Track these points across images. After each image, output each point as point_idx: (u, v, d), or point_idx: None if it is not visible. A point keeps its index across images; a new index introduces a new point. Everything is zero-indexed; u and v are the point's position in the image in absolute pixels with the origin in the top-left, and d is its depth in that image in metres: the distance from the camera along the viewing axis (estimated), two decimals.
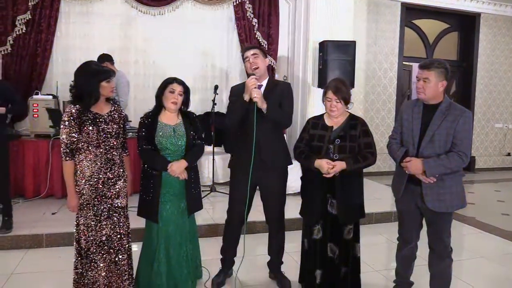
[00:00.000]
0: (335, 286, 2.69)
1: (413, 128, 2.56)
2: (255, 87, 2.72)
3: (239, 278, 3.14)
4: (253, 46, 3.03)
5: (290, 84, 3.21)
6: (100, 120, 2.48)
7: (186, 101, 2.77)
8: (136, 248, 2.88)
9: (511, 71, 8.46)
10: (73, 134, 2.41)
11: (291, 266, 3.33)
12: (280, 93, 2.89)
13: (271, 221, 3.03)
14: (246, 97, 2.74)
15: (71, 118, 2.40)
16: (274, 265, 3.14)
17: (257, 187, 2.96)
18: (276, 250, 3.09)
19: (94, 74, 2.44)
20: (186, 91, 2.75)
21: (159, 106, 2.74)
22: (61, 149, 2.45)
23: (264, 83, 2.92)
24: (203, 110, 5.99)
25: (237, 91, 2.91)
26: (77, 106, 2.42)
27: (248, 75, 2.87)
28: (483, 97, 8.30)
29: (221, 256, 3.13)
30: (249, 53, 2.88)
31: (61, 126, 2.43)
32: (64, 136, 2.43)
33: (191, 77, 6.19)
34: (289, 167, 3.06)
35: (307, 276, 2.81)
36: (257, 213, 3.18)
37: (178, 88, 2.69)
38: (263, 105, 2.73)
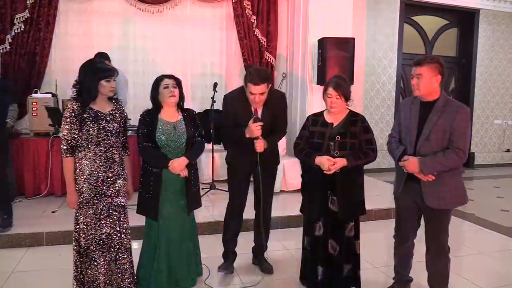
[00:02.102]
0: (336, 283, 2.70)
1: (410, 126, 2.55)
2: (259, 135, 2.80)
3: (239, 276, 3.15)
4: (262, 79, 2.74)
5: (285, 95, 3.26)
6: (101, 118, 2.48)
7: (181, 94, 2.77)
8: (136, 246, 2.89)
9: (510, 67, 8.44)
10: (74, 131, 2.42)
11: (291, 263, 3.34)
12: (275, 104, 2.97)
13: (262, 212, 3.09)
14: (247, 135, 2.83)
15: (73, 114, 2.41)
16: (260, 251, 3.23)
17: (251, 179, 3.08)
18: (264, 238, 3.17)
19: (95, 72, 2.44)
20: (179, 84, 2.75)
21: (157, 106, 2.74)
22: (62, 145, 2.45)
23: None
24: (203, 108, 5.99)
25: (232, 100, 2.99)
26: (79, 103, 2.43)
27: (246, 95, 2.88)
28: (482, 93, 8.29)
29: (224, 249, 3.16)
30: (257, 90, 2.74)
31: (63, 122, 2.44)
32: (65, 132, 2.43)
33: (190, 75, 6.20)
34: (289, 165, 3.09)
35: (309, 273, 2.81)
36: (253, 210, 3.20)
37: (170, 82, 2.70)
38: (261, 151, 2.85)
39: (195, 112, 2.89)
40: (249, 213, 3.15)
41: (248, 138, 2.84)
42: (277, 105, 2.99)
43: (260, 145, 2.82)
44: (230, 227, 3.13)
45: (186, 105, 2.87)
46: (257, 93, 2.76)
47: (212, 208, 4.52)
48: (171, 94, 2.67)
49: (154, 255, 2.75)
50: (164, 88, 2.68)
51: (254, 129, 2.77)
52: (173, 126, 2.70)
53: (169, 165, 2.62)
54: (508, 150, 8.72)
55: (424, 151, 2.48)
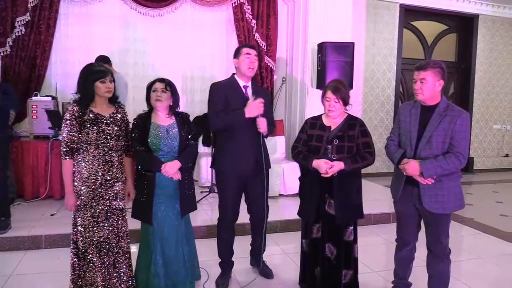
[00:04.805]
0: (334, 287, 2.69)
1: (411, 130, 2.57)
2: (261, 114, 2.78)
3: (237, 279, 3.14)
4: (255, 46, 3.09)
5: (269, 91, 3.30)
6: (102, 121, 2.49)
7: (174, 99, 2.75)
8: (134, 249, 2.89)
9: (509, 72, 8.48)
10: (74, 133, 2.43)
11: (290, 267, 3.34)
12: (264, 98, 2.94)
13: (258, 218, 3.08)
14: (247, 115, 2.77)
15: (73, 117, 2.43)
16: (258, 253, 3.22)
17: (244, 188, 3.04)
18: (261, 240, 3.17)
19: (89, 74, 2.48)
20: (171, 89, 2.73)
21: (150, 109, 2.76)
22: (61, 147, 2.46)
23: (249, 84, 3.00)
24: (202, 111, 5.99)
25: (220, 89, 2.94)
26: (79, 105, 2.46)
27: (236, 68, 2.95)
28: (481, 98, 8.32)
29: (220, 260, 3.13)
30: (254, 52, 2.95)
31: (63, 124, 2.46)
32: (65, 134, 2.45)
33: (189, 79, 6.22)
34: (289, 168, 3.08)
35: (307, 276, 2.81)
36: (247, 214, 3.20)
37: (159, 85, 2.69)
38: (265, 132, 2.85)
39: (188, 115, 2.89)
40: (246, 216, 3.14)
41: (247, 118, 2.76)
42: (266, 99, 2.97)
43: (263, 123, 2.78)
44: (223, 242, 3.10)
45: (184, 109, 2.88)
46: (253, 54, 2.91)
47: (211, 212, 4.52)
48: (156, 98, 2.67)
49: (151, 258, 2.74)
50: (153, 91, 2.69)
51: (256, 106, 2.75)
52: (165, 130, 2.70)
53: (161, 168, 2.62)
54: (507, 155, 8.74)
55: (425, 155, 2.49)
